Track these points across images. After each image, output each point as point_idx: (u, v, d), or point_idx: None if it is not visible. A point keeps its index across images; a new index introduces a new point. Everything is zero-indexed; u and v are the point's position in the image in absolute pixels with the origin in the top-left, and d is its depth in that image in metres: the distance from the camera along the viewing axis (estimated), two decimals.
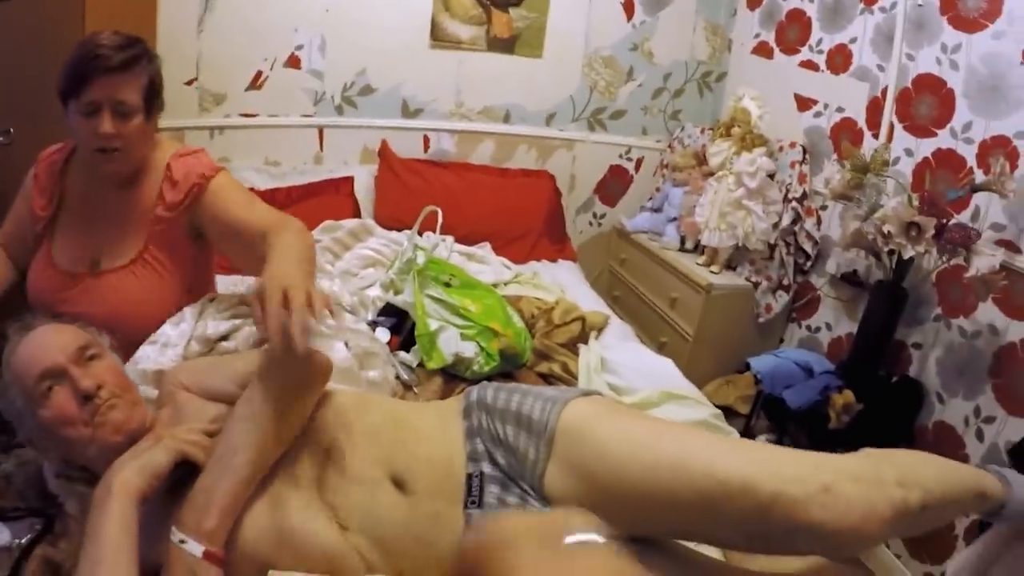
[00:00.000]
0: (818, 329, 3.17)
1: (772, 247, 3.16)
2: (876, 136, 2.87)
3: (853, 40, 3.03)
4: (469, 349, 2.14)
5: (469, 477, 1.26)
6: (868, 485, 1.16)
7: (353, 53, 3.66)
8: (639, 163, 4.08)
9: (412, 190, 3.54)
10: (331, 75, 3.68)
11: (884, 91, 2.84)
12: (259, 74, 3.58)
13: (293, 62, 3.62)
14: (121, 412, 1.31)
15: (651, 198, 3.91)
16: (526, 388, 1.41)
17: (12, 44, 2.87)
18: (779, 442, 2.57)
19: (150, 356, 1.66)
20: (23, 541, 1.38)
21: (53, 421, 1.26)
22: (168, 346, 1.71)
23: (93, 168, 1.81)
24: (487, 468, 1.28)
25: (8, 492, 1.52)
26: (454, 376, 2.12)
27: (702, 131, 3.75)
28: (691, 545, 1.37)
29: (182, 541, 1.12)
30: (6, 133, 2.88)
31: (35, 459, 1.58)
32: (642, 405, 1.99)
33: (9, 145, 2.88)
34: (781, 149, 3.22)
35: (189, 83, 3.49)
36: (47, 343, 1.34)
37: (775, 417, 2.74)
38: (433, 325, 2.17)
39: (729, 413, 2.64)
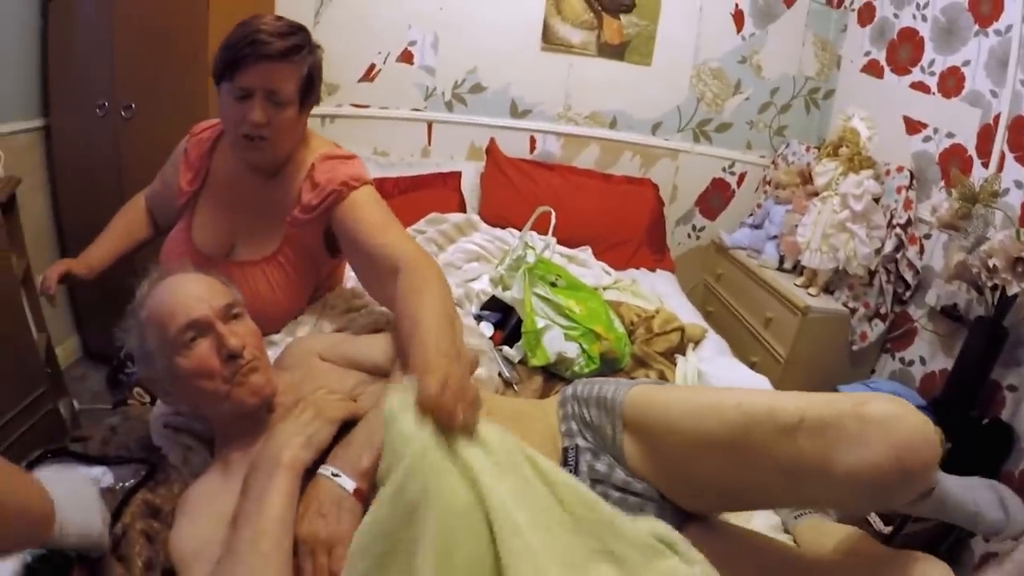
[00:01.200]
0: (912, 362, 3.14)
1: (872, 273, 3.16)
2: (986, 165, 2.83)
3: (966, 63, 3.01)
4: (572, 349, 2.19)
5: (565, 450, 1.44)
6: (906, 406, 1.13)
7: (465, 52, 3.95)
8: (742, 178, 4.23)
9: (518, 189, 3.78)
10: (442, 72, 3.98)
11: (996, 118, 2.81)
12: (372, 67, 3.91)
13: (406, 57, 3.93)
14: (261, 376, 1.40)
15: (752, 214, 4.03)
16: (606, 379, 1.58)
17: (138, 26, 3.09)
18: None
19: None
20: (126, 484, 1.49)
21: (191, 372, 1.34)
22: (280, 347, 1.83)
23: (236, 153, 1.90)
24: (580, 442, 1.45)
25: (113, 441, 1.67)
26: (553, 375, 2.18)
27: (807, 149, 3.85)
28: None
29: (335, 474, 1.22)
30: (128, 108, 3.16)
31: (140, 415, 1.78)
32: None
33: (131, 119, 3.17)
34: (888, 173, 3.24)
35: None
36: (195, 293, 1.39)
37: None
38: (540, 323, 2.23)
39: None
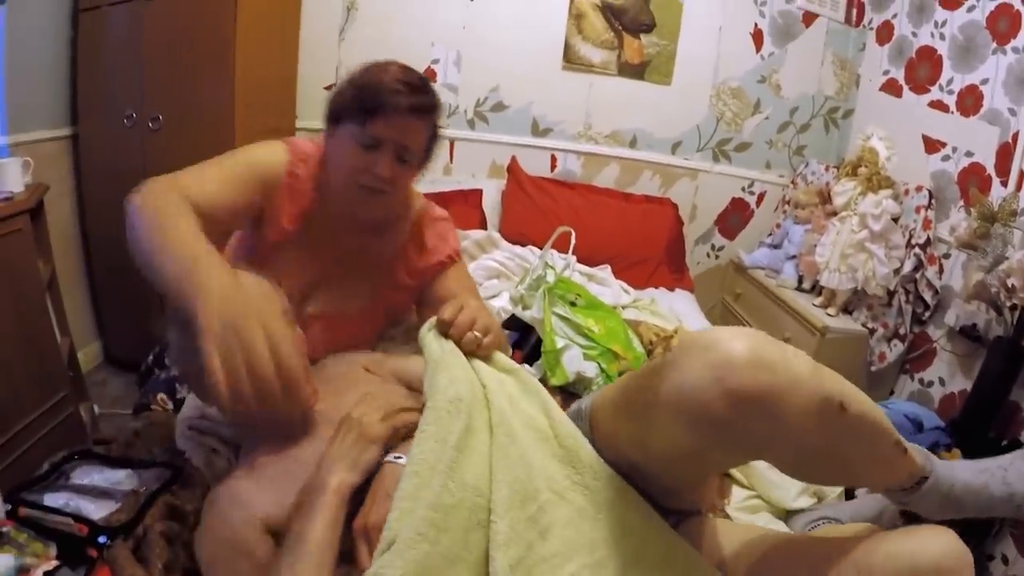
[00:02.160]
0: (931, 383, 3.12)
1: (891, 293, 3.16)
2: (1005, 184, 2.84)
3: (984, 81, 3.03)
4: (591, 369, 2.17)
5: None
6: (746, 335, 1.04)
7: (487, 70, 4.02)
8: (761, 197, 4.26)
9: (539, 207, 3.83)
10: (465, 90, 4.05)
11: (1015, 136, 2.82)
12: None
13: (429, 75, 3.98)
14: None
15: (771, 234, 4.05)
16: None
17: (166, 38, 3.17)
18: None
19: None
20: (151, 488, 1.53)
21: None
22: None
23: (343, 200, 1.74)
24: None
25: (136, 445, 1.71)
26: (572, 394, 2.13)
27: (826, 168, 3.88)
28: None
29: (398, 457, 1.31)
30: (155, 120, 3.23)
31: (163, 421, 1.82)
32: None
33: (158, 131, 3.25)
34: (907, 192, 3.27)
35: (328, 88, 3.86)
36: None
37: None
38: (559, 343, 2.21)
39: None
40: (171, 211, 1.48)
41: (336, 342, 1.77)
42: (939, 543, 1.19)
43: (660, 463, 1.27)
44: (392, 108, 1.59)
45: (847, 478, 1.46)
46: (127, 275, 3.44)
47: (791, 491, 1.91)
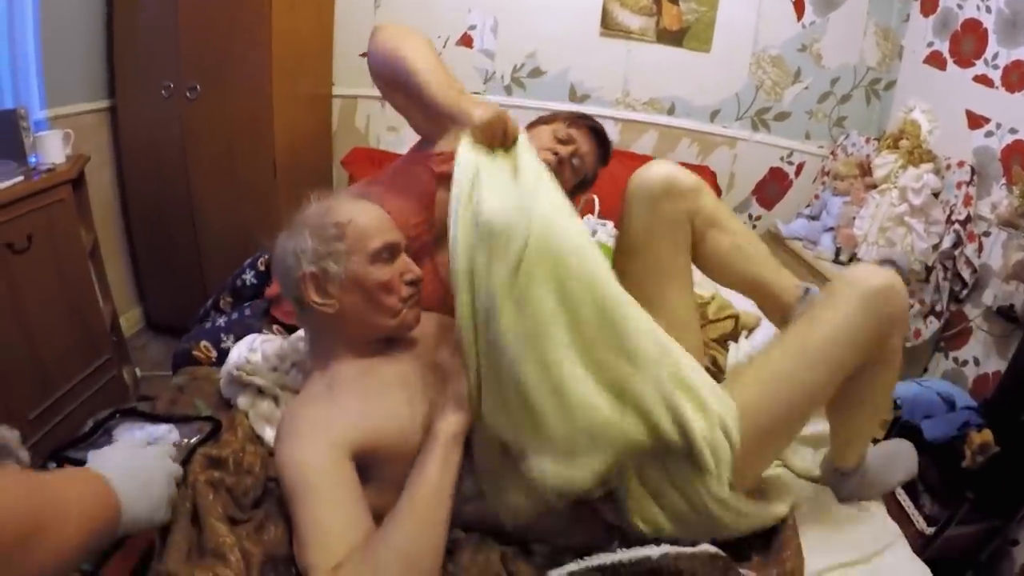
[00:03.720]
0: (965, 363, 3.13)
1: (929, 269, 3.14)
2: None
3: None
4: None
5: None
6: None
7: (524, 36, 4.04)
8: (800, 168, 4.23)
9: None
10: (502, 56, 4.07)
11: None
12: None
13: (466, 41, 4.04)
14: (419, 309, 1.59)
15: (809, 205, 4.01)
16: None
17: (203, 8, 3.23)
18: None
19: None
20: (192, 440, 1.57)
21: (380, 283, 1.49)
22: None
23: None
24: None
25: (180, 400, 1.77)
26: None
27: (867, 140, 3.84)
28: None
29: None
30: (193, 90, 3.31)
31: (207, 375, 1.90)
32: None
33: (196, 100, 3.33)
34: (948, 167, 3.24)
35: (363, 55, 3.90)
36: (389, 223, 1.57)
37: None
38: None
39: None
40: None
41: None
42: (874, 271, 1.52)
43: None
44: (585, 127, 2.23)
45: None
46: (167, 242, 3.60)
47: (806, 457, 1.94)
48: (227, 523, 1.36)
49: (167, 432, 1.61)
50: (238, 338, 2.03)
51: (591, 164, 2.16)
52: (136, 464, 1.16)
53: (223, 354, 1.99)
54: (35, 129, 2.73)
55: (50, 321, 2.62)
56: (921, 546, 2.47)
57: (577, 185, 2.14)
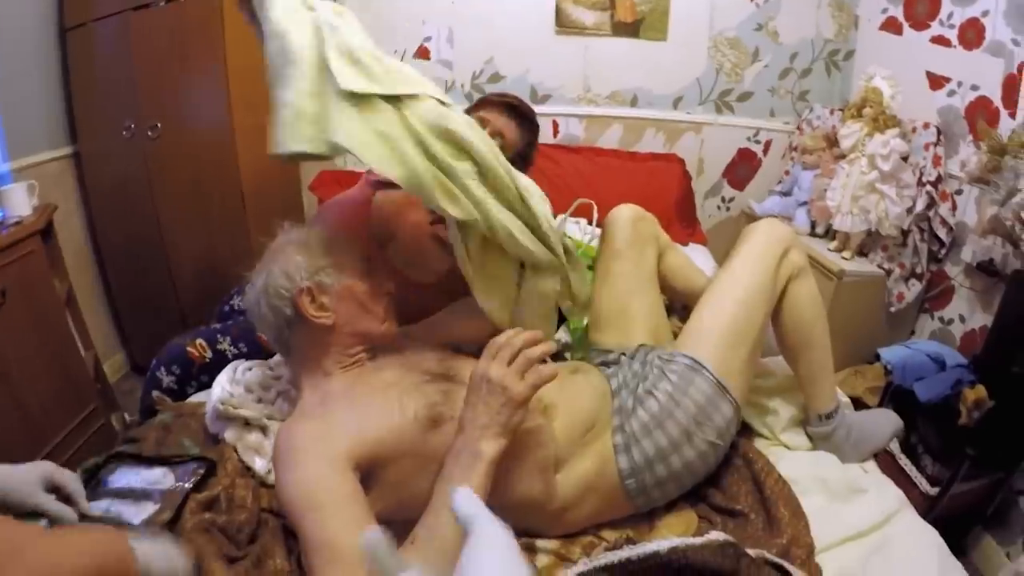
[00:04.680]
0: (951, 321, 3.13)
1: (905, 233, 3.14)
2: (1013, 116, 2.78)
3: (985, 13, 2.94)
4: None
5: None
6: None
7: (480, 42, 4.02)
8: (767, 146, 4.22)
9: (545, 175, 3.77)
10: (460, 64, 4.05)
11: (1021, 67, 2.75)
12: None
13: (423, 53, 4.01)
14: (390, 320, 1.69)
15: (780, 182, 4.01)
16: None
17: (156, 45, 3.20)
18: (907, 436, 2.62)
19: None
20: (186, 486, 1.59)
21: (370, 292, 1.64)
22: None
23: None
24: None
25: (168, 440, 1.76)
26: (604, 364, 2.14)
27: (831, 112, 3.84)
28: None
29: None
30: (154, 128, 3.27)
31: (192, 411, 1.90)
32: (777, 388, 2.13)
33: (158, 138, 3.29)
34: (914, 130, 3.22)
35: None
36: (359, 239, 1.73)
37: (904, 410, 2.44)
38: (585, 319, 2.20)
39: (857, 404, 2.61)
40: None
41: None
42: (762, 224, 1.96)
43: None
44: (497, 105, 2.26)
45: None
46: (143, 283, 3.56)
47: (782, 418, 2.02)
48: (224, 562, 1.38)
49: (162, 476, 1.63)
50: (235, 340, 2.04)
51: (513, 139, 2.14)
52: (161, 549, 1.18)
53: (218, 355, 2.02)
54: (0, 183, 2.75)
55: (33, 374, 2.60)
56: (926, 508, 2.46)
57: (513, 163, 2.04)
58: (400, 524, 1.26)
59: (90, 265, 3.70)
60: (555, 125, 4.17)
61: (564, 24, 4.00)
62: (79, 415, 2.83)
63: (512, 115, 2.12)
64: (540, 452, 1.54)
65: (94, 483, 1.63)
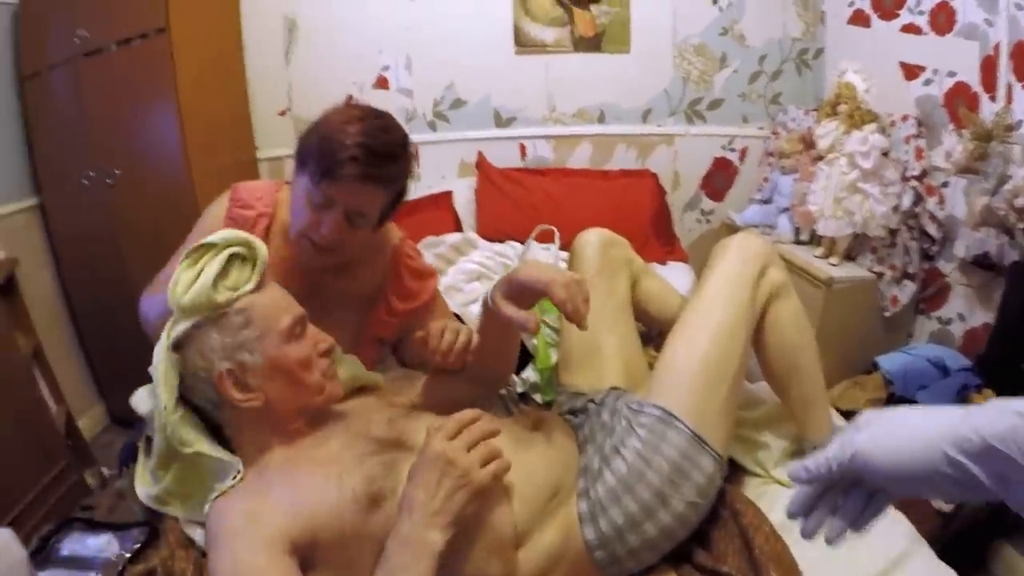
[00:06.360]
0: (950, 321, 3.03)
1: (894, 232, 3.03)
2: (994, 99, 2.72)
3: None
4: None
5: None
6: None
7: (439, 68, 3.91)
8: (743, 153, 4.08)
9: (513, 200, 3.70)
10: (420, 92, 3.93)
11: (996, 48, 2.69)
12: (350, 99, 3.83)
13: (381, 83, 3.92)
14: (332, 382, 1.51)
15: (760, 189, 3.87)
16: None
17: (107, 91, 3.15)
18: None
19: None
20: (126, 555, 1.54)
21: (299, 360, 1.42)
22: None
23: (295, 247, 1.69)
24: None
25: (119, 507, 1.69)
26: (571, 412, 1.98)
27: (806, 113, 3.71)
28: None
29: None
30: (111, 175, 3.22)
31: None
32: (766, 418, 1.96)
33: (115, 185, 3.24)
34: (893, 124, 3.12)
35: (282, 113, 3.87)
36: (286, 296, 1.49)
37: None
38: (554, 356, 2.11)
39: None
40: None
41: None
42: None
43: None
44: (342, 174, 1.51)
45: None
46: (116, 333, 3.51)
47: (774, 452, 1.83)
48: None
49: (107, 544, 1.58)
50: None
51: (376, 210, 1.64)
52: None
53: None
54: None
55: None
56: (942, 524, 2.31)
57: (385, 213, 1.71)
58: None
59: (62, 318, 3.64)
60: (522, 148, 4.05)
61: (524, 43, 3.87)
62: (49, 473, 2.73)
63: (367, 182, 1.55)
64: (498, 532, 1.37)
65: (47, 550, 1.59)
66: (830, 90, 3.25)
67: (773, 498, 1.68)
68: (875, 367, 2.84)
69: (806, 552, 1.41)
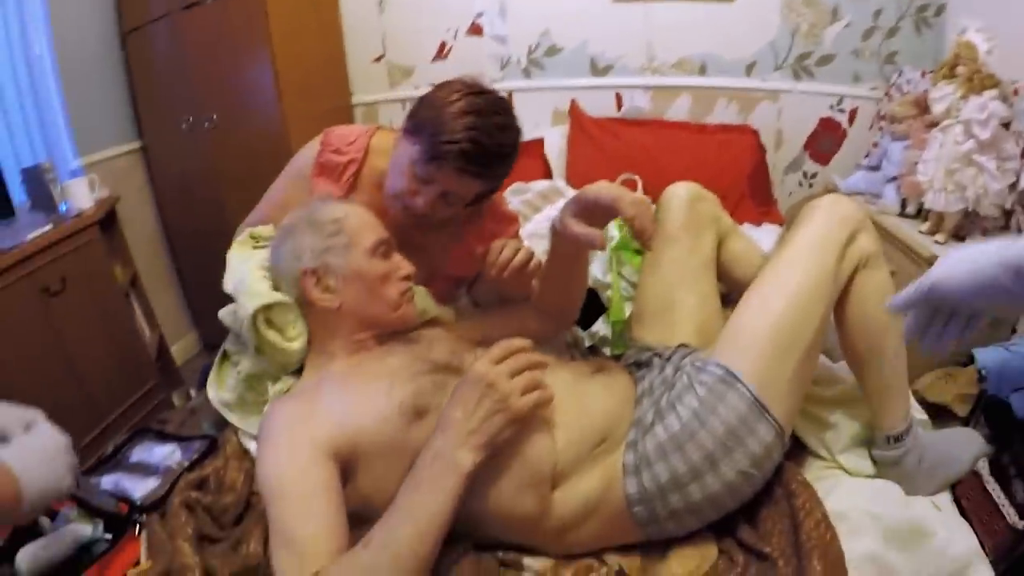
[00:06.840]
0: None
1: (1008, 213, 2.81)
2: None
3: None
4: None
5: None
6: None
7: (534, 15, 3.87)
8: (853, 114, 3.83)
9: (605, 150, 3.63)
10: (514, 39, 3.92)
11: None
12: (443, 45, 3.97)
13: (475, 30, 3.91)
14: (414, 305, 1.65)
15: (868, 154, 3.62)
16: None
17: (206, 40, 3.45)
18: (998, 459, 2.11)
19: None
20: (185, 462, 1.71)
21: (380, 275, 1.56)
22: None
23: (388, 206, 1.76)
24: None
25: (189, 422, 1.90)
26: (638, 364, 1.96)
27: (923, 75, 3.46)
28: None
29: None
30: (210, 120, 3.54)
31: None
32: (840, 399, 1.86)
33: (214, 129, 3.57)
34: (1016, 92, 2.84)
35: (378, 60, 4.01)
36: (377, 222, 1.64)
37: (998, 425, 2.24)
38: (628, 309, 2.11)
39: (944, 414, 2.34)
40: None
41: None
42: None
43: None
44: (451, 165, 1.58)
45: None
46: (211, 267, 3.71)
47: (842, 436, 1.74)
48: (194, 543, 1.41)
49: (171, 453, 1.76)
50: None
51: (467, 193, 1.71)
52: (32, 443, 1.18)
53: None
54: (72, 177, 3.07)
55: (93, 354, 2.89)
56: (1012, 542, 2.11)
57: (481, 196, 1.77)
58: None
59: (161, 252, 4.10)
60: (618, 98, 3.94)
61: None
62: (138, 392, 3.11)
63: (466, 175, 1.62)
64: (535, 467, 1.38)
65: (118, 456, 1.78)
66: (950, 50, 3.02)
67: (833, 484, 1.61)
68: (971, 359, 2.58)
69: (855, 546, 1.39)
